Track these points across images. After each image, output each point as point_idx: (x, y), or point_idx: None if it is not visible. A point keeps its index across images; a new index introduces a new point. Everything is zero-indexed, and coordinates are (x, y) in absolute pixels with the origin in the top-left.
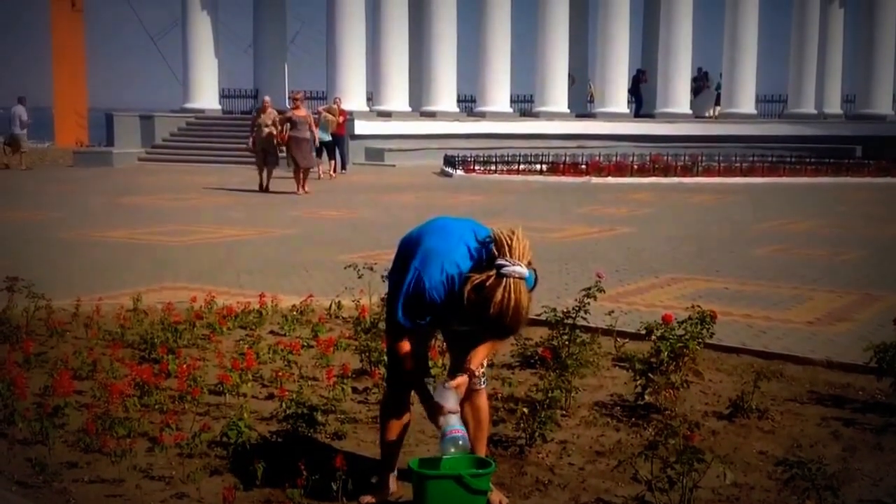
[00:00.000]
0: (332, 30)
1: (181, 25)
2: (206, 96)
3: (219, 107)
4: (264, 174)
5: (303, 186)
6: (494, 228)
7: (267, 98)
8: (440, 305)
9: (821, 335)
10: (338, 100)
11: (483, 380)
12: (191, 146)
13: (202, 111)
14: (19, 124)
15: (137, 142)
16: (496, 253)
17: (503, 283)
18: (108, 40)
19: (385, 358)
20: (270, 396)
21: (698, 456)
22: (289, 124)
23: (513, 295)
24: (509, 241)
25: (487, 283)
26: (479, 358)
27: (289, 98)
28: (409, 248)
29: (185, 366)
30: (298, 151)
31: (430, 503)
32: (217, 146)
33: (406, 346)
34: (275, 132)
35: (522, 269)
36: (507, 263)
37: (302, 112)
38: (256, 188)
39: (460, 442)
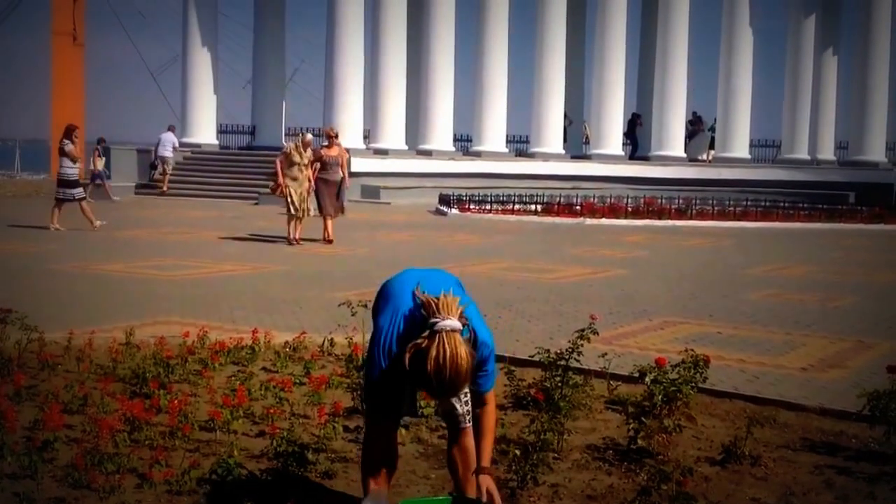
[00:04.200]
0: (331, 68)
1: (181, 62)
2: (204, 131)
3: (216, 142)
4: (295, 224)
5: (327, 233)
6: (419, 294)
7: (309, 135)
8: (392, 387)
9: (814, 382)
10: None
11: (468, 418)
12: (188, 180)
13: (199, 146)
14: (171, 149)
15: (134, 175)
16: (427, 314)
17: (436, 340)
18: (108, 74)
19: None
20: (261, 434)
21: (691, 502)
22: (318, 164)
23: (447, 348)
24: (436, 301)
25: (423, 345)
26: (488, 452)
27: (300, 135)
28: (374, 313)
29: (176, 401)
30: (328, 196)
31: None
32: (214, 181)
33: (379, 435)
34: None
35: (454, 322)
36: (438, 319)
37: (334, 151)
38: (256, 231)
39: None
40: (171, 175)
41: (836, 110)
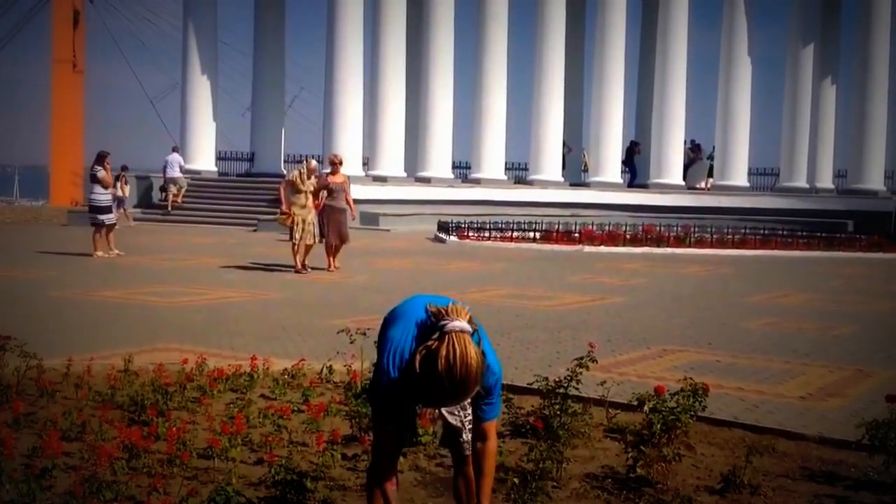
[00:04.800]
0: (330, 95)
1: (181, 89)
2: (203, 158)
3: (215, 169)
4: (303, 252)
5: (331, 261)
6: (431, 306)
7: (314, 162)
8: (400, 393)
9: (813, 410)
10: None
11: (467, 446)
12: (187, 207)
13: (198, 173)
14: (178, 169)
15: (133, 202)
16: (436, 320)
17: (446, 340)
18: (108, 101)
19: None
20: (260, 461)
21: None
22: (325, 192)
23: (457, 347)
24: (445, 308)
25: (433, 346)
26: (488, 493)
27: (305, 161)
28: (382, 330)
29: (174, 429)
30: (333, 224)
31: None
32: (213, 207)
33: (387, 435)
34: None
35: (463, 324)
36: (448, 321)
37: (339, 178)
38: (255, 258)
39: None
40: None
41: (835, 139)
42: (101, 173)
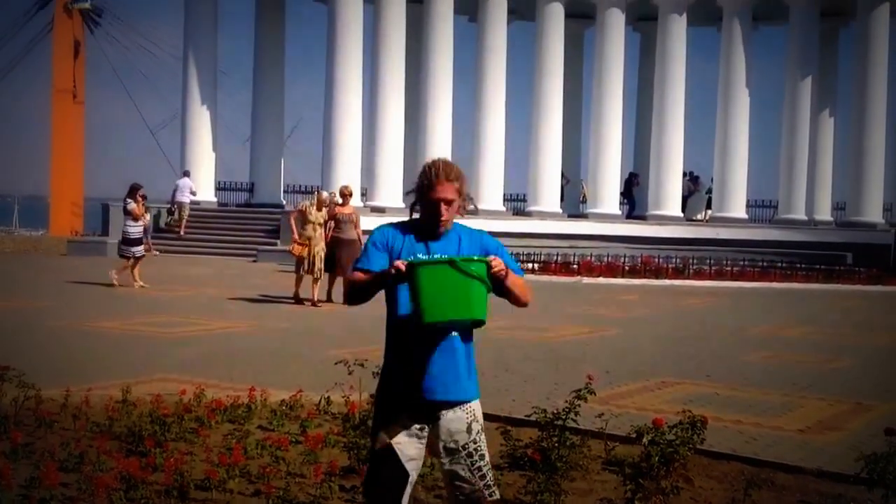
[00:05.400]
0: (329, 126)
1: (181, 119)
2: (203, 188)
3: (215, 199)
4: (312, 284)
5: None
6: None
7: (325, 193)
8: (393, 241)
9: (812, 444)
10: (333, 194)
11: (492, 490)
12: (186, 237)
13: (198, 203)
14: (188, 194)
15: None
16: None
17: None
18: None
19: None
20: (257, 493)
21: None
22: (333, 223)
23: (439, 159)
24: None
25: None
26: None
27: (316, 192)
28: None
29: (172, 459)
30: (343, 255)
31: (424, 288)
32: (213, 238)
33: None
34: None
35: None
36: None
37: (348, 210)
38: (254, 287)
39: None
40: (170, 231)
41: (833, 171)
42: (133, 206)
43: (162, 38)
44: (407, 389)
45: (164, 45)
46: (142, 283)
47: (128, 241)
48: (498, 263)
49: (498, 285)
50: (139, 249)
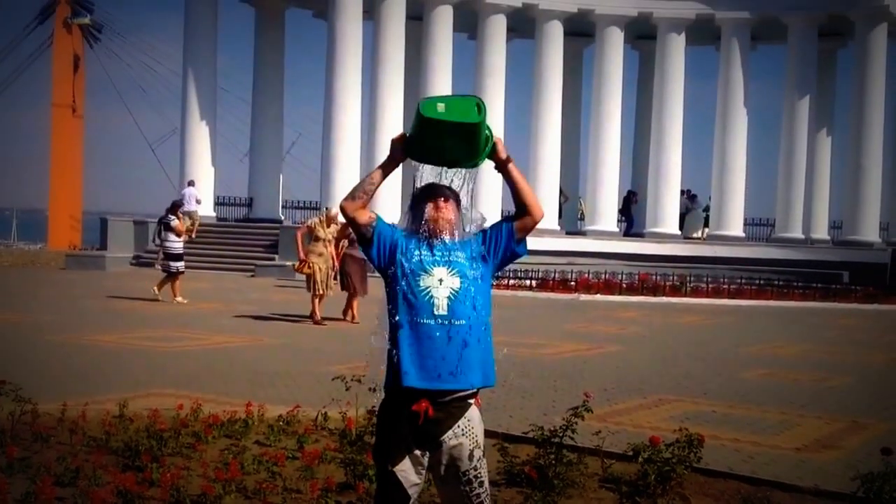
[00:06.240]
0: (328, 141)
1: (180, 134)
2: (193, 208)
3: (213, 214)
4: (315, 304)
5: (353, 313)
6: None
7: (334, 209)
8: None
9: (809, 462)
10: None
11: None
12: (184, 252)
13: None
14: (195, 202)
15: (130, 246)
16: None
17: None
18: (107, 146)
19: (370, 472)
20: None
21: None
22: (345, 241)
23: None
24: None
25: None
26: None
27: (326, 209)
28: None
29: (168, 475)
30: (354, 274)
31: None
32: (211, 252)
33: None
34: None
35: None
36: None
37: None
38: (255, 304)
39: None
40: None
41: (830, 190)
42: (175, 222)
43: (161, 54)
44: (407, 380)
45: (163, 61)
46: (180, 299)
47: (170, 257)
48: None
49: (499, 163)
50: (181, 265)
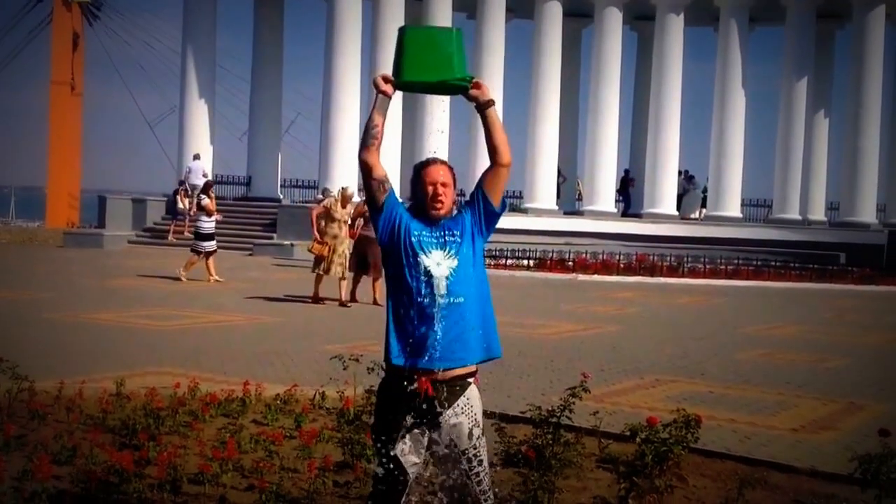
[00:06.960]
0: (326, 121)
1: (178, 112)
2: (200, 182)
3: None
4: (338, 286)
5: (374, 295)
6: None
7: (350, 189)
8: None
9: (805, 443)
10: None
11: (487, 496)
12: (178, 230)
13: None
14: (201, 176)
15: (129, 224)
16: None
17: None
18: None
19: (368, 452)
20: (251, 488)
21: None
22: (360, 220)
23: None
24: None
25: None
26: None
27: (342, 188)
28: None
29: (165, 453)
30: (372, 255)
31: (408, 48)
32: None
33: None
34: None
35: None
36: None
37: None
38: (253, 283)
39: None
40: (166, 224)
41: (828, 171)
42: (206, 201)
43: (161, 32)
44: (407, 360)
45: (162, 39)
46: (216, 278)
47: (200, 237)
48: (482, 87)
49: (480, 105)
50: (212, 244)
